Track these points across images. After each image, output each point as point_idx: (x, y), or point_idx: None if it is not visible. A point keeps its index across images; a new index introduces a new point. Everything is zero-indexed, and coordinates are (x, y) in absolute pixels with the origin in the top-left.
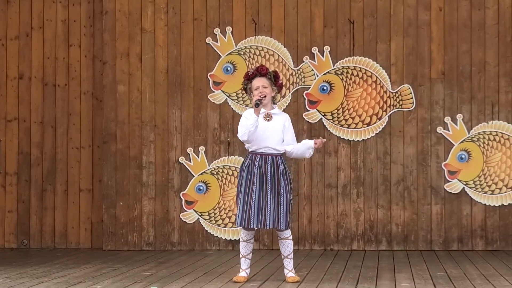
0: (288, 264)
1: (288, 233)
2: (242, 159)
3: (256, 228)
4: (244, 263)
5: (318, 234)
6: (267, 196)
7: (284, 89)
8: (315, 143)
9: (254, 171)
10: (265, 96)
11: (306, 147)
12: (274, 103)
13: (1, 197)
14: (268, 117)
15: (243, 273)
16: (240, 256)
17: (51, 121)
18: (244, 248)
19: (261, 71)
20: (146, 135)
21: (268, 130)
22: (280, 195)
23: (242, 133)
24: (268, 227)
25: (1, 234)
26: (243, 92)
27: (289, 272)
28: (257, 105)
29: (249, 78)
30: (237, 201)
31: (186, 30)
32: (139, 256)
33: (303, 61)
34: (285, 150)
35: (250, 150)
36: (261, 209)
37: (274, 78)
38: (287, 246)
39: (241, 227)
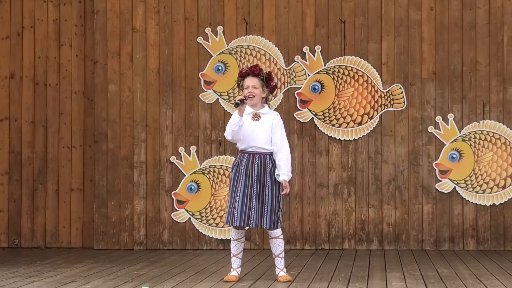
0: (279, 263)
1: (278, 232)
2: (233, 159)
3: (246, 227)
4: (235, 262)
5: (309, 233)
6: (252, 195)
7: None
8: (283, 187)
9: (241, 169)
10: (253, 96)
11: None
12: (266, 103)
13: None
14: (256, 117)
15: (234, 273)
16: (231, 255)
17: (42, 120)
18: (235, 247)
19: (254, 71)
20: (137, 134)
21: (256, 130)
22: (265, 194)
23: (227, 132)
24: (251, 226)
25: None
26: (235, 91)
27: (281, 271)
28: (236, 105)
29: (242, 75)
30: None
31: (178, 30)
32: (131, 255)
33: (295, 61)
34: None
35: (240, 149)
36: (245, 208)
37: (266, 80)
38: (277, 245)
39: (230, 226)
